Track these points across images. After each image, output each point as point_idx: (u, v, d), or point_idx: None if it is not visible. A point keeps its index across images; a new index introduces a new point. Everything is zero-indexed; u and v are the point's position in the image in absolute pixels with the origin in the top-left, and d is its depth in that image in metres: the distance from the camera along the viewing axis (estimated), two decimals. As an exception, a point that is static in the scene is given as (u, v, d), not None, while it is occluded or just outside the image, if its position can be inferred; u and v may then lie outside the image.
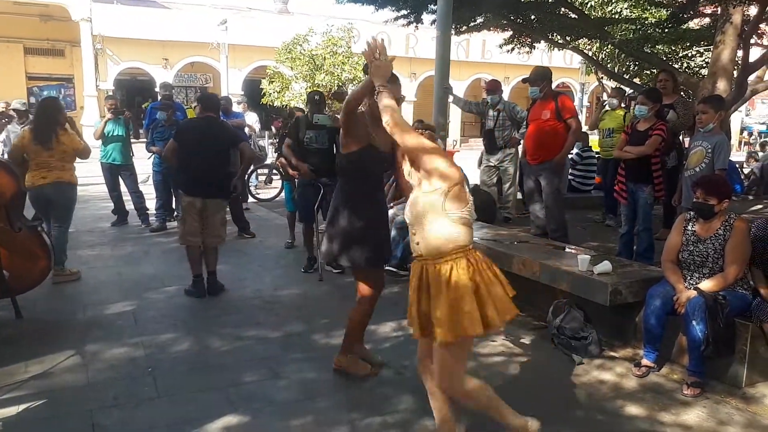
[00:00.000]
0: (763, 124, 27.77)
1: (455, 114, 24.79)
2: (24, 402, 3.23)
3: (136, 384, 3.48)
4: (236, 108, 10.37)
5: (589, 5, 11.73)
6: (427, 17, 9.25)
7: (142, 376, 3.58)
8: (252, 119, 10.57)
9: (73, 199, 5.63)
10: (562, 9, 9.03)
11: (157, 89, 22.54)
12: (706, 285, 3.60)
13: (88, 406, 3.21)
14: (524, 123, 7.15)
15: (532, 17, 9.23)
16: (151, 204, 7.97)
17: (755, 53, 7.86)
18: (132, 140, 7.98)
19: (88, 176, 8.97)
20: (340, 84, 15.69)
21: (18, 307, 4.41)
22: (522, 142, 6.71)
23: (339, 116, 7.18)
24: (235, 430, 3.01)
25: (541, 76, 5.89)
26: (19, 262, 4.40)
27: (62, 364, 3.71)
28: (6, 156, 7.87)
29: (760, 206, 8.56)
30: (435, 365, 2.62)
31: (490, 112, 7.17)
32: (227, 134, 5.25)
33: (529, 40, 10.14)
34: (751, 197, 9.66)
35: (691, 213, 3.86)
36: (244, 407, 3.23)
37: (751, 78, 7.31)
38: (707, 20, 9.63)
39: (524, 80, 6.08)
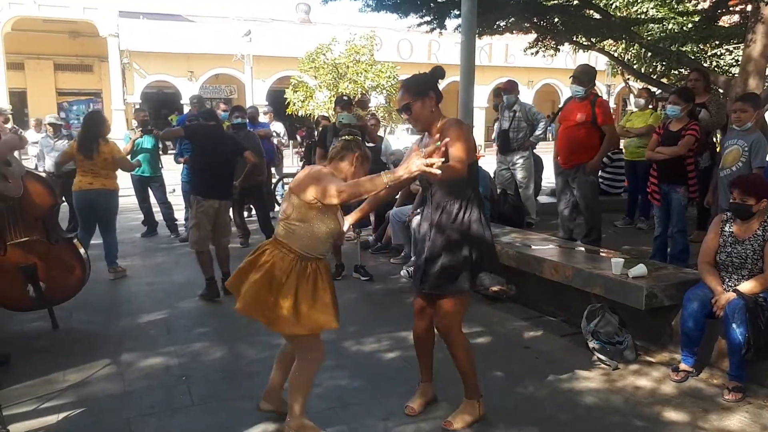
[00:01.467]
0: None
1: (479, 119, 24.73)
2: (64, 410, 3.28)
3: (171, 392, 3.52)
4: (263, 118, 10.46)
5: (614, 6, 11.61)
6: (450, 23, 9.23)
7: (177, 385, 3.62)
8: (279, 128, 10.66)
9: (116, 206, 6.06)
10: (587, 11, 8.93)
11: (183, 101, 23.10)
12: (746, 287, 3.51)
13: (126, 414, 3.25)
14: (539, 126, 7.07)
15: (556, 20, 9.15)
16: (180, 214, 8.08)
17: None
18: (160, 153, 8.12)
19: (121, 187, 9.13)
20: (364, 92, 15.75)
21: (55, 318, 4.51)
22: (554, 142, 6.59)
23: (362, 116, 7.21)
24: (271, 438, 3.02)
25: (589, 75, 5.72)
26: (55, 273, 4.50)
27: (99, 373, 3.77)
28: (41, 169, 8.07)
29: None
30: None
31: (506, 113, 7.09)
32: (232, 141, 5.61)
33: (554, 42, 10.05)
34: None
35: (728, 214, 3.77)
36: (277, 415, 3.23)
37: (785, 75, 7.13)
38: (736, 18, 9.45)
39: (571, 77, 5.85)
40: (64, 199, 7.37)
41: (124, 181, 7.72)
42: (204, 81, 24.73)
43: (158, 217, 8.10)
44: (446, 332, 3.04)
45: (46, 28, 22.41)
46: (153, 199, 8.02)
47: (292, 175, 11.10)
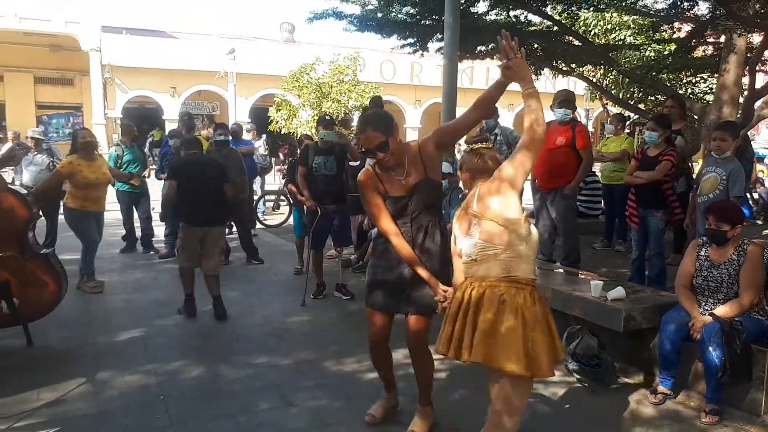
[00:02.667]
0: (767, 149, 27.79)
1: (460, 141, 24.93)
2: (36, 430, 3.21)
3: (148, 412, 3.46)
4: (246, 135, 10.46)
5: (593, 33, 11.90)
6: (432, 45, 9.38)
7: (154, 404, 3.56)
8: (258, 143, 10.70)
9: (76, 225, 5.98)
10: (567, 37, 9.13)
11: (165, 117, 22.98)
12: (722, 310, 3.58)
13: (101, 434, 3.19)
14: None
15: (536, 46, 9.34)
16: (160, 230, 8.01)
17: (759, 79, 7.91)
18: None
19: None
20: (347, 111, 15.83)
21: (29, 335, 4.42)
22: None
23: (344, 134, 7.25)
24: (250, 459, 2.98)
25: (572, 98, 5.82)
26: (29, 290, 4.41)
27: (74, 392, 3.69)
28: (17, 183, 7.95)
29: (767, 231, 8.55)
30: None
31: (487, 137, 7.16)
32: (214, 168, 5.51)
33: (534, 67, 10.24)
34: (759, 222, 9.64)
35: (704, 238, 3.85)
36: (258, 435, 3.20)
37: (757, 104, 7.35)
38: (710, 48, 9.73)
39: (560, 101, 5.83)
40: (41, 213, 7.28)
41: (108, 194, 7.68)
42: (186, 97, 24.65)
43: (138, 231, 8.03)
44: (422, 348, 3.16)
45: (27, 41, 22.19)
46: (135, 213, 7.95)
47: (275, 192, 11.12)
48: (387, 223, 3.01)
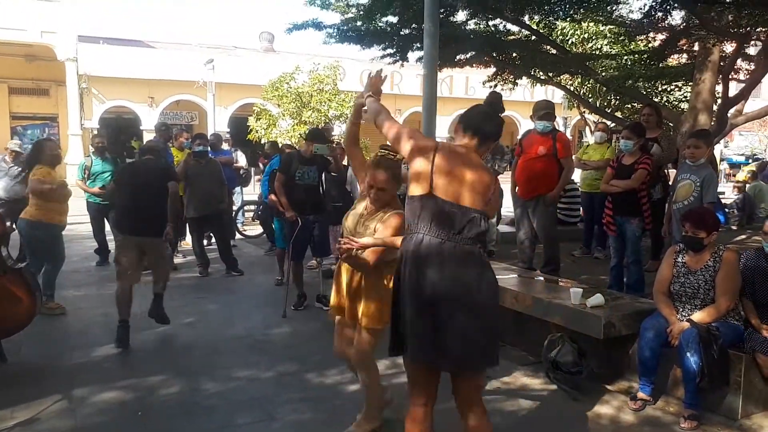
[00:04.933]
0: (741, 155, 28.36)
1: (440, 149, 25.02)
2: (10, 450, 3.14)
3: (127, 429, 3.41)
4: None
5: (570, 42, 12.04)
6: (412, 55, 9.41)
7: (133, 421, 3.50)
8: (241, 158, 10.66)
9: (46, 240, 5.61)
10: (544, 46, 9.23)
11: (143, 127, 22.76)
12: (699, 316, 3.63)
13: (77, 453, 3.13)
14: (504, 157, 7.18)
15: (514, 54, 9.43)
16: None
17: (732, 88, 8.07)
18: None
19: (76, 214, 8.90)
20: (327, 121, 15.82)
21: (2, 351, 4.33)
22: (512, 174, 6.69)
23: (333, 146, 7.25)
24: (230, 475, 2.94)
25: (553, 110, 5.87)
26: (3, 304, 4.30)
27: (49, 409, 3.61)
28: None
29: (743, 236, 8.69)
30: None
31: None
32: (158, 176, 5.17)
33: (512, 76, 10.34)
34: (734, 227, 9.80)
35: (681, 245, 3.90)
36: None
37: (731, 112, 7.50)
38: (684, 57, 9.90)
39: (542, 114, 5.86)
40: (15, 227, 7.14)
41: (81, 206, 7.55)
42: (164, 107, 24.43)
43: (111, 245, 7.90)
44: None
45: (2, 51, 21.83)
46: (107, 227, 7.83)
47: (254, 203, 11.04)
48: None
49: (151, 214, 4.97)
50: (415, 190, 2.53)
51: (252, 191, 16.39)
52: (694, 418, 3.52)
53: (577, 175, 7.78)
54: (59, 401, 3.73)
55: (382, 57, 9.25)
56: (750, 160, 28.10)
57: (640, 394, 3.79)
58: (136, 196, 4.97)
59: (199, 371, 4.27)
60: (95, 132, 19.18)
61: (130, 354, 4.63)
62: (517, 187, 6.01)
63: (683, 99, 12.48)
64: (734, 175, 23.22)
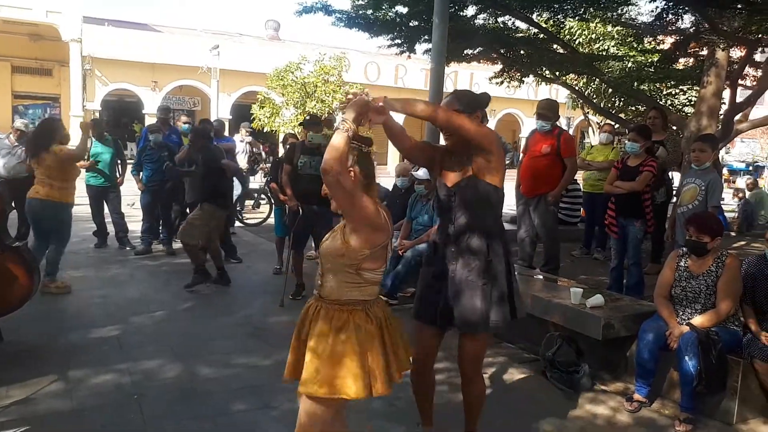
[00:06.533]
0: (742, 162, 28.38)
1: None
2: (6, 428, 3.12)
3: (123, 412, 3.39)
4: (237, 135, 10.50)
5: (577, 42, 12.02)
6: (419, 47, 9.39)
7: (129, 404, 3.49)
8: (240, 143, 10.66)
9: (62, 220, 5.66)
10: (552, 45, 9.22)
11: (145, 111, 22.70)
12: (699, 320, 3.62)
13: (73, 434, 3.12)
14: (507, 154, 7.17)
15: (522, 52, 9.41)
16: (137, 226, 7.90)
17: (739, 94, 8.05)
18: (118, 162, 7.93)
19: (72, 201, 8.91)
20: (331, 112, 15.78)
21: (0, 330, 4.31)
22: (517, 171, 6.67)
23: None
24: (226, 462, 2.94)
25: (553, 109, 5.82)
26: (1, 284, 4.30)
27: (46, 390, 3.60)
28: None
29: (743, 242, 8.70)
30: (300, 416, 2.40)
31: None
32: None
33: (519, 74, 10.32)
34: (733, 233, 9.81)
35: (684, 249, 3.90)
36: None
37: (736, 117, 7.48)
38: (692, 60, 9.89)
39: (538, 113, 5.89)
40: (14, 205, 7.13)
41: (80, 188, 7.53)
42: (168, 92, 24.37)
43: (110, 227, 7.90)
44: (472, 373, 2.89)
45: (5, 29, 21.74)
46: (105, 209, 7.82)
47: (255, 191, 11.03)
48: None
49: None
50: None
51: (252, 180, 16.39)
52: (689, 422, 3.52)
53: (579, 176, 7.77)
54: (55, 382, 3.72)
55: (390, 47, 9.22)
56: (750, 167, 28.17)
57: (637, 396, 3.79)
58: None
59: (196, 356, 4.27)
60: (96, 115, 19.14)
61: (127, 337, 4.61)
62: (520, 185, 5.99)
63: (687, 103, 12.48)
64: (734, 182, 23.25)
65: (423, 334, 2.90)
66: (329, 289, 2.37)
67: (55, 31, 21.66)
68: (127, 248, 7.78)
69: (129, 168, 8.20)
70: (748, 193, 11.11)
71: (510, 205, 9.31)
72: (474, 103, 2.82)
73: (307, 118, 6.12)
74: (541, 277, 5.30)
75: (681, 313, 3.78)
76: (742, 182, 15.68)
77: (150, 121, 17.22)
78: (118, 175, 7.89)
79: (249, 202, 11.24)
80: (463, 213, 2.74)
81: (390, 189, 7.09)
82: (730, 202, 12.60)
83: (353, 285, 2.33)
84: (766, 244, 3.71)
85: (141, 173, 7.70)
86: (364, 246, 2.30)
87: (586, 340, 4.16)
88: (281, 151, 9.52)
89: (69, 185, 5.70)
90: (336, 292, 2.35)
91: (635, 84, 9.70)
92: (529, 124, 29.74)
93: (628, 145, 5.31)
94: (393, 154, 27.87)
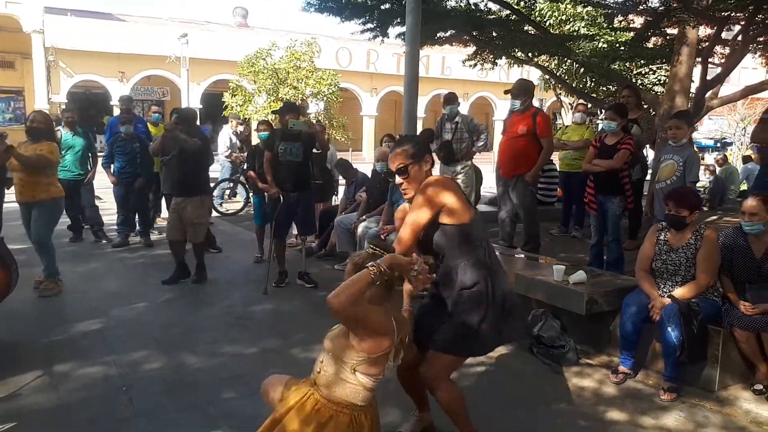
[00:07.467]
0: (711, 139, 28.95)
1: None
2: (-8, 426, 3.06)
3: (112, 404, 3.35)
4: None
5: (547, 23, 12.07)
6: (392, 30, 9.31)
7: (117, 396, 3.45)
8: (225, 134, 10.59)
9: (55, 214, 5.71)
10: (524, 26, 9.24)
11: (113, 102, 22.21)
12: (680, 292, 3.71)
13: (64, 427, 3.08)
14: (481, 136, 7.20)
15: (494, 34, 9.41)
16: (112, 219, 7.76)
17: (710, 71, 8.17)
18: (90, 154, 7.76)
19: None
20: (303, 98, 15.63)
21: (-23, 328, 4.22)
22: (496, 152, 6.70)
23: (313, 122, 7.12)
24: (220, 449, 2.93)
25: (523, 89, 5.84)
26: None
27: (31, 385, 3.54)
28: None
29: (714, 217, 8.89)
30: None
31: (447, 125, 7.13)
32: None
33: (492, 56, 10.33)
34: (705, 208, 10.02)
35: (663, 224, 3.97)
36: (226, 425, 3.14)
37: (707, 95, 7.61)
38: (661, 40, 10.00)
39: (505, 92, 6.04)
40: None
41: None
42: (135, 82, 23.89)
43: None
44: (433, 386, 2.81)
45: (-37, 21, 21.09)
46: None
47: (231, 180, 10.90)
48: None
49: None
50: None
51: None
52: (673, 390, 3.61)
53: (555, 156, 7.84)
54: (40, 377, 3.66)
55: (362, 32, 9.14)
56: (718, 144, 28.76)
57: (621, 368, 3.87)
58: None
59: (181, 348, 4.23)
60: (63, 107, 18.66)
61: (110, 330, 4.55)
62: (500, 167, 6.03)
63: (657, 82, 12.66)
64: (703, 158, 23.71)
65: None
66: (326, 377, 2.30)
67: (16, 22, 21.02)
68: (104, 241, 7.65)
69: (100, 161, 8.03)
70: (718, 169, 11.35)
71: (488, 186, 9.42)
72: (421, 149, 2.82)
73: (284, 104, 6.04)
74: (522, 256, 5.35)
75: (662, 285, 3.86)
76: (710, 159, 16.03)
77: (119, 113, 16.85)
78: (89, 168, 7.73)
79: (226, 192, 11.11)
80: (443, 254, 2.76)
81: (369, 173, 7.07)
82: (702, 179, 12.88)
83: (347, 384, 2.27)
84: (743, 216, 3.79)
85: (112, 166, 7.55)
86: (367, 350, 2.25)
87: (569, 315, 4.23)
88: (255, 140, 9.42)
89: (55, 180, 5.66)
90: (331, 385, 2.28)
91: (606, 63, 9.79)
92: (502, 106, 29.89)
93: (604, 123, 5.38)
94: (368, 141, 27.83)
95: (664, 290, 3.82)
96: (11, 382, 3.57)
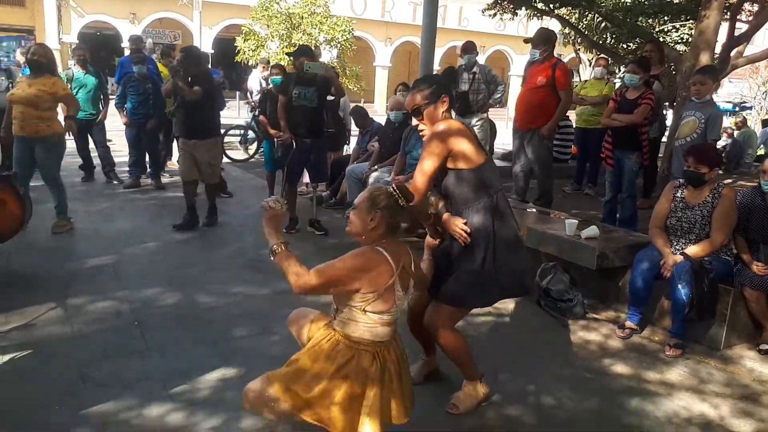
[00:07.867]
0: (729, 102, 28.36)
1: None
2: (8, 353, 3.14)
3: (124, 337, 3.42)
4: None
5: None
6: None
7: (130, 330, 3.52)
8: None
9: (61, 152, 5.64)
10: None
11: (124, 44, 21.92)
12: (693, 250, 3.68)
13: (76, 357, 3.15)
14: (499, 88, 7.07)
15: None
16: (124, 159, 7.77)
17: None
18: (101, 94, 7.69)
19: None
20: (317, 45, 15.34)
21: (-8, 259, 4.28)
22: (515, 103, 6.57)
23: (329, 66, 6.98)
24: (231, 382, 2.99)
25: (544, 39, 5.68)
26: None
27: (44, 316, 3.61)
28: None
29: (729, 180, 8.80)
30: None
31: (464, 75, 6.98)
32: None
33: (512, 5, 10.07)
34: (720, 171, 9.90)
35: (680, 181, 3.92)
36: (238, 361, 3.20)
37: (732, 53, 7.40)
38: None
39: (525, 40, 5.89)
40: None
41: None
42: (147, 24, 23.51)
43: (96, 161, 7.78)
44: (435, 331, 2.84)
45: (-27, -45, 20.71)
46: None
47: (242, 127, 10.82)
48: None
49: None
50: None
51: (236, 115, 16.09)
52: (678, 347, 3.64)
53: (571, 112, 7.71)
54: (54, 309, 3.72)
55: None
56: (737, 107, 28.19)
57: (628, 323, 3.89)
58: None
59: (194, 286, 4.28)
60: (74, 46, 18.46)
61: (123, 267, 4.60)
62: (516, 119, 5.94)
63: (680, 41, 12.34)
64: (721, 122, 23.25)
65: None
66: (341, 319, 2.33)
67: (27, -42, 20.62)
68: (115, 182, 7.67)
69: (112, 102, 7.97)
70: (736, 132, 11.15)
71: (502, 142, 9.31)
72: (437, 89, 2.74)
73: (298, 47, 5.90)
74: (534, 210, 5.33)
75: (675, 243, 3.84)
76: (728, 122, 15.71)
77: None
78: (101, 108, 7.68)
79: (236, 138, 11.04)
80: (453, 199, 2.77)
81: (383, 123, 6.99)
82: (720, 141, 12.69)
83: (360, 323, 2.28)
84: (763, 176, 3.73)
85: (125, 106, 7.49)
86: (368, 289, 2.25)
87: (579, 270, 4.23)
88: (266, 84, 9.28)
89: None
90: (347, 326, 2.30)
91: (630, 18, 9.52)
92: (518, 61, 29.27)
93: (627, 77, 5.25)
94: (381, 92, 27.45)
95: (677, 248, 3.80)
96: (26, 312, 3.63)
